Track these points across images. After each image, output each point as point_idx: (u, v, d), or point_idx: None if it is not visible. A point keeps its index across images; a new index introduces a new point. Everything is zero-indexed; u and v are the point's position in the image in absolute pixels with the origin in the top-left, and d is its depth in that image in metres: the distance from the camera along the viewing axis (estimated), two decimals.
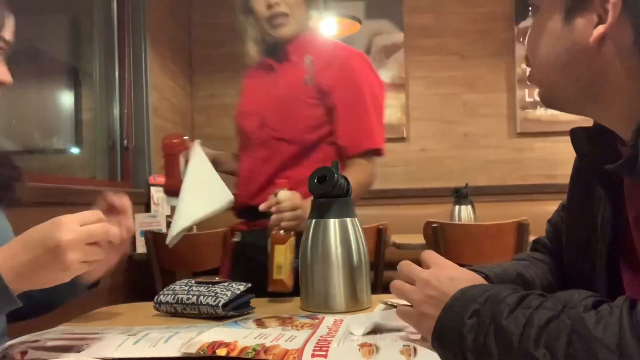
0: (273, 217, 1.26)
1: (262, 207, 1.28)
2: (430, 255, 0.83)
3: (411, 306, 0.78)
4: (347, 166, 1.55)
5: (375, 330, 0.86)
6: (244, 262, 1.57)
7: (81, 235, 0.78)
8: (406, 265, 0.82)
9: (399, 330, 0.87)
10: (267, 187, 1.48)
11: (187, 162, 1.53)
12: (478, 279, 0.80)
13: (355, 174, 1.46)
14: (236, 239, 1.61)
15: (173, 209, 3.68)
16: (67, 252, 0.76)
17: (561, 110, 0.78)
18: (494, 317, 0.64)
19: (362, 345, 0.77)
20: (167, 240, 1.50)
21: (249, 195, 1.56)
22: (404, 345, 0.76)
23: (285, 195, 1.28)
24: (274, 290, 1.21)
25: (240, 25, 1.62)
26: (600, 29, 0.67)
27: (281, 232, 1.23)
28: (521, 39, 4.19)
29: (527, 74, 0.80)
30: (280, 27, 1.51)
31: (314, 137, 1.54)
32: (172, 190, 1.52)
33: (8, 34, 0.93)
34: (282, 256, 1.20)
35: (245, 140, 1.62)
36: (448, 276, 0.76)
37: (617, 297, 0.61)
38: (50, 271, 0.77)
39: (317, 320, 0.97)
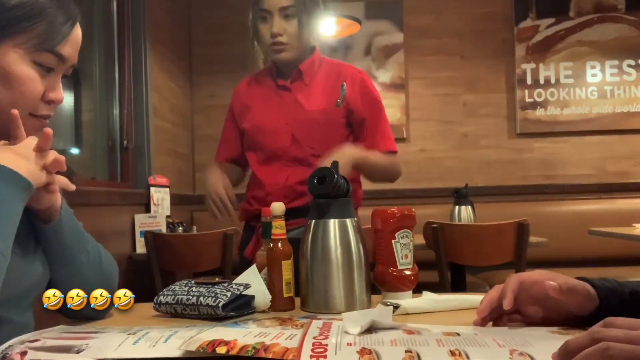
0: None
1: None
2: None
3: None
4: None
5: (371, 328, 0.85)
6: None
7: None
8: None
9: (395, 328, 0.86)
10: (305, 194, 1.68)
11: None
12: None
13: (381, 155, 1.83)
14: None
15: (174, 209, 3.67)
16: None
17: None
18: None
19: (361, 353, 0.75)
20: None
21: (284, 201, 1.48)
22: (406, 352, 0.74)
23: None
24: (281, 310, 1.12)
25: (251, 48, 1.85)
26: None
27: (273, 245, 1.14)
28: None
29: None
30: (280, 53, 1.75)
31: None
32: None
33: (67, 49, 1.01)
34: (289, 271, 1.15)
35: (269, 154, 1.79)
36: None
37: None
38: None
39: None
